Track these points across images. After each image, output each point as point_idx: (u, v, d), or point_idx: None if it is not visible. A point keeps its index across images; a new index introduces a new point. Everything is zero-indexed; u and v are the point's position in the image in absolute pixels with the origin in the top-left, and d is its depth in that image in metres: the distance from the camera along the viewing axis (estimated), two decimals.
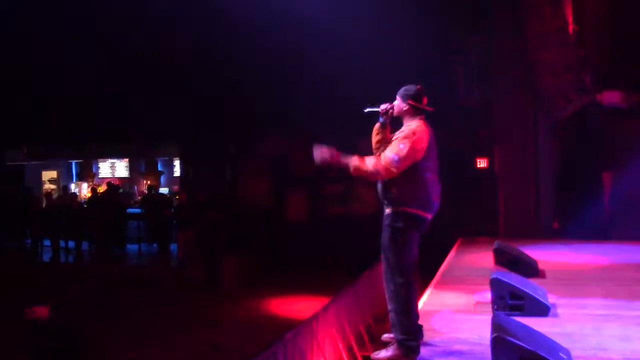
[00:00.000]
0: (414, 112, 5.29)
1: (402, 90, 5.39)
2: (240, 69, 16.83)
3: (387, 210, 5.21)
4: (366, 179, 5.19)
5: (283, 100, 16.90)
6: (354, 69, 15.06)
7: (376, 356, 5.22)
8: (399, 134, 5.18)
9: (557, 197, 14.34)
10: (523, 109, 14.08)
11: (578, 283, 8.48)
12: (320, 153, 5.15)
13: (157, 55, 17.53)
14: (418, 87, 5.37)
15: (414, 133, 5.11)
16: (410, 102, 5.29)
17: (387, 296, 5.23)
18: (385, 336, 5.49)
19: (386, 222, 5.20)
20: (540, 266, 8.97)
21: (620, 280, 8.64)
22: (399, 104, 5.36)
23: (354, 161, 5.10)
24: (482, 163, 15.91)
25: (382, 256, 5.24)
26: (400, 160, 5.01)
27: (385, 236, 5.19)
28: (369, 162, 5.10)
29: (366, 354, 7.28)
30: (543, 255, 10.18)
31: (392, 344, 5.19)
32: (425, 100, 5.33)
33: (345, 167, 5.13)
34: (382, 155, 5.11)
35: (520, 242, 10.46)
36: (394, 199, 5.13)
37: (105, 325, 10.16)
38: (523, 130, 14.11)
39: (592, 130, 14.32)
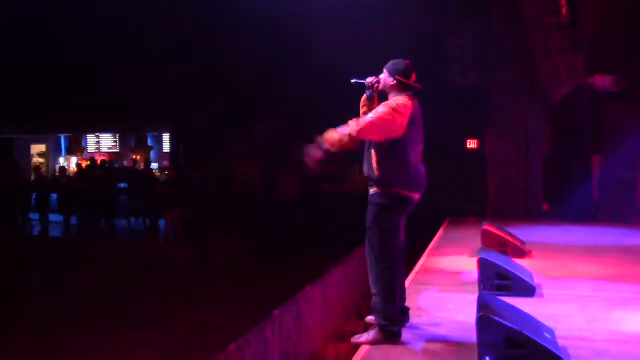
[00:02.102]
0: (401, 88, 5.11)
1: (390, 65, 5.20)
2: (234, 49, 16.76)
3: (372, 190, 5.06)
4: (344, 148, 4.85)
5: (276, 80, 16.85)
6: (346, 49, 15.01)
7: (357, 340, 5.15)
8: (384, 103, 5.02)
9: (547, 179, 14.37)
10: (516, 92, 14.07)
11: (564, 264, 8.53)
12: (311, 157, 4.91)
13: (150, 30, 17.43)
14: (407, 62, 5.18)
15: (396, 105, 4.93)
16: (398, 77, 5.10)
17: (370, 280, 5.12)
18: (369, 318, 5.43)
19: (371, 202, 5.05)
20: (528, 247, 9.02)
21: (606, 263, 8.68)
22: (385, 78, 5.18)
23: (329, 139, 4.82)
24: (472, 144, 15.94)
25: (367, 238, 5.11)
26: (373, 121, 4.83)
27: (369, 217, 5.05)
28: (341, 129, 4.83)
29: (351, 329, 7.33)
30: (531, 236, 10.23)
31: (374, 328, 5.11)
32: (413, 77, 5.15)
33: (329, 149, 4.86)
34: (360, 119, 4.94)
35: (509, 223, 10.49)
36: (380, 178, 4.98)
37: (96, 303, 10.17)
38: (515, 112, 14.12)
39: (583, 113, 14.34)
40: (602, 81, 13.98)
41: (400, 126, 4.91)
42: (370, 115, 4.93)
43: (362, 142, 5.16)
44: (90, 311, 9.69)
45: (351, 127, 4.81)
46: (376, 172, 5.01)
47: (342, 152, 4.88)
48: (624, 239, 10.77)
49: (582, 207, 13.01)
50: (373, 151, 5.04)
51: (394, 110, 4.90)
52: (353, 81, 5.33)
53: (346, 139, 4.80)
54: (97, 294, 10.72)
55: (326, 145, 4.83)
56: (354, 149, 4.96)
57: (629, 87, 13.88)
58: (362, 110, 5.37)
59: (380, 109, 4.93)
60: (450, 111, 14.86)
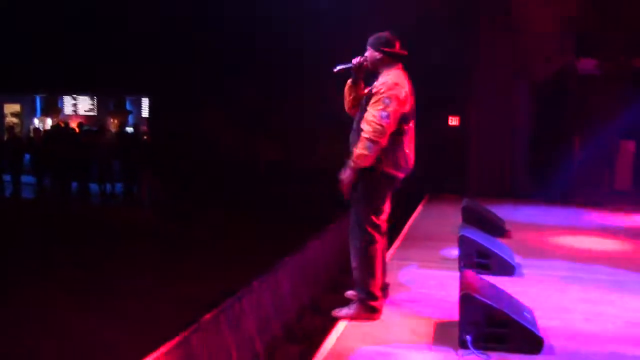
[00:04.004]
0: (389, 59, 4.99)
1: (371, 40, 5.06)
2: (216, 16, 16.57)
3: None
4: (372, 156, 4.77)
5: (259, 51, 16.71)
6: (326, 24, 14.89)
7: (337, 313, 5.10)
8: (380, 87, 4.85)
9: (528, 158, 14.41)
10: (501, 69, 14.01)
11: (543, 245, 8.58)
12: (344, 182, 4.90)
13: None
14: (387, 32, 5.06)
15: (395, 84, 4.84)
16: (383, 49, 4.98)
17: (351, 253, 5.06)
18: (349, 293, 5.37)
19: (358, 177, 4.94)
20: (507, 226, 9.04)
21: (584, 244, 8.75)
22: (371, 53, 5.03)
23: (352, 162, 4.81)
24: (453, 121, 15.90)
25: (352, 211, 5.05)
26: (390, 115, 4.74)
27: (355, 192, 4.97)
28: (360, 143, 4.76)
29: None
30: (510, 215, 10.27)
31: (354, 302, 5.08)
32: (398, 45, 5.02)
33: (355, 172, 4.84)
34: (365, 120, 4.79)
35: (488, 201, 10.50)
36: None
37: (64, 270, 10.02)
38: (499, 89, 14.08)
39: (567, 94, 14.35)
40: (585, 64, 14.01)
41: (405, 101, 4.85)
42: (382, 113, 4.73)
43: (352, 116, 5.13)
44: (57, 278, 9.51)
45: (370, 134, 4.72)
46: None
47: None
48: (601, 221, 10.85)
49: (562, 187, 13.06)
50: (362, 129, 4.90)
51: (397, 95, 4.79)
52: (337, 68, 5.11)
53: (372, 151, 4.75)
54: (66, 260, 10.53)
55: (359, 166, 4.81)
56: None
57: (612, 71, 13.93)
58: (348, 98, 5.24)
59: (387, 100, 4.75)
60: (431, 87, 14.76)
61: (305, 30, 15.70)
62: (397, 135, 4.88)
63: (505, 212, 9.99)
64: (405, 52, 5.08)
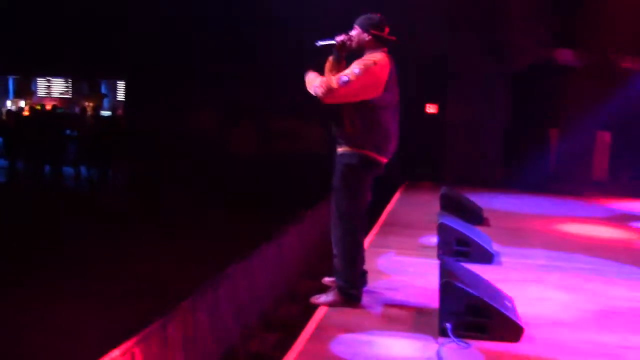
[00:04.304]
0: (376, 43, 4.87)
1: (362, 19, 4.92)
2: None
3: (341, 150, 4.87)
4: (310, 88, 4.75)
5: (236, 33, 16.54)
6: (306, 6, 14.78)
7: (315, 300, 5.03)
8: (359, 60, 4.74)
9: (505, 148, 14.43)
10: (479, 59, 13.99)
11: (521, 233, 8.59)
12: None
13: None
14: (379, 15, 4.94)
15: (374, 62, 4.71)
16: (373, 31, 4.85)
17: (332, 241, 4.98)
18: (326, 280, 5.33)
19: (339, 162, 4.87)
20: (485, 214, 9.02)
21: (560, 233, 8.78)
22: (358, 33, 4.89)
23: (309, 75, 4.77)
24: (431, 109, 15.87)
25: (332, 198, 4.95)
26: (350, 82, 4.59)
27: (336, 177, 4.88)
28: (317, 78, 4.70)
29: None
30: (488, 203, 10.24)
31: (333, 289, 5.01)
32: (387, 30, 4.90)
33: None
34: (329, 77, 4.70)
35: (466, 190, 10.48)
36: (349, 139, 4.79)
37: (36, 252, 9.86)
38: (477, 79, 14.07)
39: (545, 86, 14.37)
40: (563, 55, 14.03)
41: (379, 84, 4.71)
42: (344, 78, 4.62)
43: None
44: (29, 260, 9.36)
45: (322, 90, 4.62)
46: (348, 132, 4.80)
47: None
48: (576, 211, 10.89)
49: (538, 178, 13.09)
50: (346, 110, 4.79)
51: (372, 70, 4.67)
52: (319, 43, 4.91)
53: (312, 90, 4.68)
54: (38, 243, 10.36)
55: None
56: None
57: (589, 62, 13.97)
58: (327, 75, 4.96)
59: (356, 69, 4.64)
60: (409, 75, 14.69)
61: (287, 13, 15.57)
62: (379, 118, 4.79)
63: (482, 200, 9.97)
64: (394, 38, 4.95)
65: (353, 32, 4.93)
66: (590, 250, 7.63)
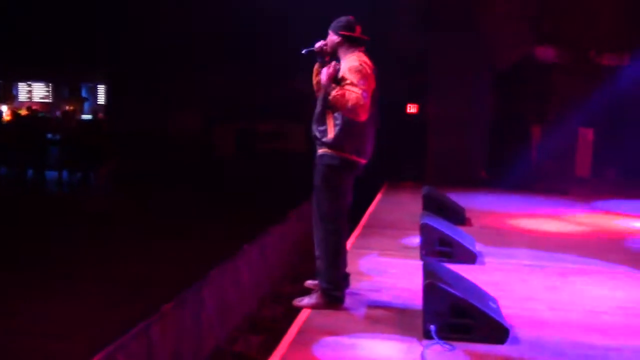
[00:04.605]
0: (350, 43, 4.96)
1: (332, 24, 5.05)
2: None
3: (321, 151, 4.91)
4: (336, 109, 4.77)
5: (218, 35, 16.52)
6: (288, 7, 14.76)
7: (298, 303, 5.01)
8: (347, 71, 4.78)
9: (487, 147, 14.42)
10: (461, 57, 13.97)
11: (504, 233, 8.57)
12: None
13: None
14: (349, 17, 5.05)
15: (362, 66, 4.79)
16: (342, 32, 4.95)
17: (315, 242, 5.00)
18: (309, 282, 5.31)
19: (319, 162, 4.91)
20: (467, 214, 9.00)
21: (544, 232, 8.76)
22: (330, 37, 5.02)
23: (337, 90, 4.71)
24: (412, 109, 15.88)
25: (314, 199, 4.98)
26: (368, 95, 4.71)
27: (317, 177, 4.92)
28: (348, 95, 4.66)
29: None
30: (470, 203, 10.21)
31: (316, 292, 4.99)
32: (358, 30, 5.00)
33: (326, 84, 4.77)
34: (347, 93, 4.66)
35: (448, 190, 10.46)
36: (331, 141, 4.82)
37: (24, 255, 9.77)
38: (459, 77, 14.03)
39: (527, 83, 14.39)
40: (545, 52, 14.05)
41: (372, 79, 4.85)
42: (359, 95, 4.65)
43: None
44: (16, 264, 9.28)
45: (358, 108, 4.65)
46: (329, 135, 4.84)
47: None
48: (560, 209, 10.87)
49: (521, 176, 13.09)
50: (329, 113, 4.86)
51: (363, 74, 4.76)
52: (304, 51, 5.11)
53: (346, 111, 4.71)
54: (24, 247, 10.27)
55: (330, 97, 4.75)
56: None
57: (571, 60, 14.00)
58: (315, 80, 5.16)
59: (361, 81, 4.71)
60: (390, 74, 14.69)
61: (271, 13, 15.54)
62: (360, 123, 4.79)
63: (465, 200, 9.95)
64: (367, 37, 5.05)
65: (328, 38, 5.07)
66: (575, 249, 7.59)
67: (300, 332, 4.54)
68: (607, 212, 10.75)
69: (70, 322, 7.00)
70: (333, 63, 4.94)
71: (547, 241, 8.09)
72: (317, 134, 4.92)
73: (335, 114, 4.81)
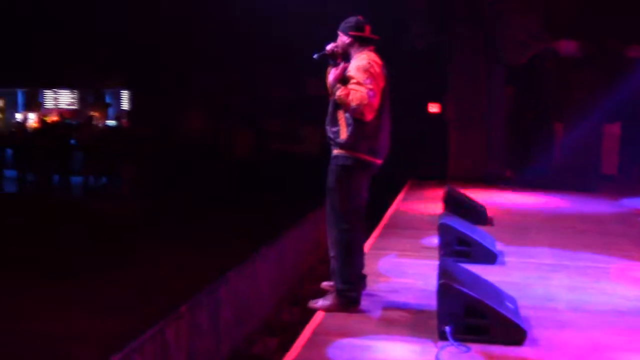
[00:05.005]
0: (360, 43, 4.95)
1: (342, 25, 5.04)
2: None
3: (335, 152, 4.89)
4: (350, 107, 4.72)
5: (222, 37, 16.59)
6: (295, 6, 14.77)
7: (314, 305, 4.96)
8: (354, 70, 4.78)
9: (508, 144, 14.27)
10: (477, 54, 13.86)
11: (526, 232, 8.42)
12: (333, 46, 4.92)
13: None
14: (358, 17, 5.04)
15: (370, 66, 4.77)
16: (351, 33, 4.94)
17: (329, 242, 4.96)
18: (325, 284, 5.25)
19: (333, 163, 4.88)
20: (489, 214, 8.88)
21: (568, 231, 8.61)
22: (340, 39, 5.00)
23: (342, 92, 4.72)
24: (434, 108, 15.78)
25: (327, 199, 4.94)
26: (375, 95, 4.71)
27: (331, 178, 4.88)
28: (353, 98, 4.66)
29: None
30: (492, 202, 10.12)
31: (332, 293, 4.93)
32: (368, 29, 4.98)
33: (334, 81, 4.79)
34: (352, 92, 4.68)
35: (470, 189, 10.35)
36: (345, 142, 4.79)
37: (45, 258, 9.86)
38: (475, 75, 13.93)
39: (546, 79, 14.21)
40: (567, 46, 13.84)
41: (380, 78, 4.81)
42: (371, 92, 4.68)
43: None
44: (38, 266, 9.38)
45: (364, 108, 4.66)
46: (342, 136, 4.81)
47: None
48: (584, 207, 10.70)
49: (544, 173, 12.91)
50: (340, 114, 4.84)
51: (370, 72, 4.74)
52: (315, 56, 5.07)
53: (351, 110, 4.71)
54: (47, 251, 10.37)
55: (336, 92, 4.77)
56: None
57: (594, 53, 13.77)
58: (328, 82, 5.06)
59: (367, 80, 4.70)
60: (411, 74, 14.63)
61: (288, 21, 15.56)
62: (373, 123, 4.79)
63: (487, 198, 9.83)
64: (377, 37, 5.03)
65: (338, 39, 5.05)
66: (599, 248, 7.44)
67: (314, 333, 4.49)
68: (634, 210, 10.55)
69: (92, 326, 7.06)
70: (342, 64, 4.92)
71: (571, 240, 7.93)
72: (331, 135, 4.91)
73: (347, 115, 4.78)
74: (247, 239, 9.64)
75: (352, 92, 4.67)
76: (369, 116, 4.70)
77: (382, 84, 4.83)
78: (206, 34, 17.28)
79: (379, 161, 4.94)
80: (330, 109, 4.95)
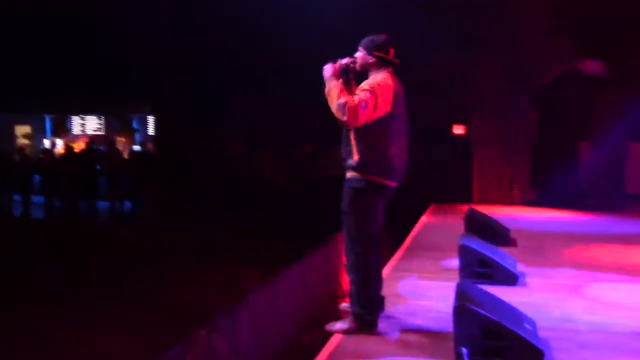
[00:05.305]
0: (380, 65, 4.88)
1: (366, 41, 4.95)
2: (215, 27, 16.63)
3: (349, 174, 4.86)
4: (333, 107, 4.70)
5: (254, 60, 16.73)
6: (321, 27, 14.87)
7: (331, 328, 4.95)
8: (363, 85, 4.76)
9: (533, 166, 14.20)
10: (501, 75, 13.86)
11: (549, 253, 8.36)
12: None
13: (132, 17, 17.34)
14: (384, 37, 4.95)
15: (378, 84, 4.71)
16: (376, 53, 4.86)
17: (346, 266, 4.95)
18: (344, 305, 5.25)
19: (346, 185, 4.85)
20: (512, 235, 8.84)
21: (591, 252, 8.52)
22: (363, 56, 4.91)
23: (334, 86, 4.69)
24: (458, 130, 15.76)
25: (343, 223, 4.91)
26: (367, 107, 4.59)
27: (345, 201, 4.85)
28: (343, 96, 4.62)
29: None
30: (516, 223, 10.04)
31: (349, 316, 4.92)
32: (392, 52, 4.91)
33: (327, 78, 4.76)
34: (341, 92, 4.64)
35: (494, 210, 10.31)
36: (356, 163, 4.77)
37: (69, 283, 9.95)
38: (500, 96, 13.93)
39: (570, 99, 14.15)
40: (592, 66, 13.78)
41: (385, 104, 4.71)
42: (362, 103, 4.60)
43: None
44: (60, 291, 9.47)
45: (348, 115, 4.58)
46: (354, 157, 4.79)
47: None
48: (609, 228, 10.59)
49: (569, 194, 12.82)
50: (352, 135, 4.81)
51: (380, 88, 4.69)
52: (326, 67, 4.92)
53: (335, 111, 4.64)
54: (74, 276, 10.48)
55: (326, 89, 4.72)
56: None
57: (618, 73, 13.70)
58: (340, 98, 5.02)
59: (367, 94, 4.64)
60: (436, 96, 14.65)
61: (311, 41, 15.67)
62: (385, 144, 4.77)
63: (510, 220, 9.77)
64: (398, 61, 4.96)
65: (358, 54, 4.96)
66: (622, 269, 7.35)
67: (331, 356, 4.48)
68: None
69: (116, 350, 7.09)
70: (347, 59, 4.90)
71: (594, 261, 7.86)
72: (344, 155, 4.89)
73: (357, 133, 4.74)
74: (273, 262, 9.67)
75: (341, 92, 4.63)
76: (351, 121, 4.61)
77: (389, 108, 4.74)
78: (235, 60, 17.42)
79: (393, 183, 4.88)
80: (344, 129, 4.90)
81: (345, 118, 4.60)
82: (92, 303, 8.92)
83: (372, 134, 4.74)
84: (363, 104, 4.59)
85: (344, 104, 4.58)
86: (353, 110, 4.57)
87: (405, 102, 4.94)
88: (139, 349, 6.81)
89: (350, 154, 4.82)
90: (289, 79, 16.24)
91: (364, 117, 4.62)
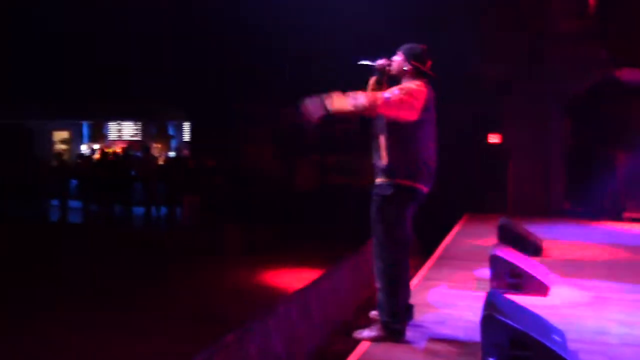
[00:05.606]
0: (415, 74, 4.87)
1: (406, 48, 4.95)
2: (247, 35, 16.76)
3: (378, 181, 4.86)
4: (350, 115, 4.72)
5: (292, 70, 16.81)
6: (356, 30, 14.89)
7: (358, 335, 4.95)
8: (399, 86, 4.78)
9: (568, 176, 14.05)
10: (536, 84, 13.76)
11: (582, 264, 8.27)
12: (310, 113, 4.64)
13: (165, 25, 17.57)
14: (423, 47, 4.95)
15: (411, 88, 4.72)
16: (414, 62, 4.87)
17: (375, 274, 4.93)
18: (373, 313, 5.23)
19: (375, 193, 4.85)
20: (545, 245, 8.76)
21: (625, 263, 8.42)
22: (400, 61, 4.93)
23: (337, 103, 4.58)
24: (494, 138, 15.65)
25: (372, 231, 4.91)
26: (391, 100, 4.60)
27: (373, 208, 4.85)
28: (350, 92, 4.60)
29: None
30: (549, 234, 9.95)
31: (377, 324, 4.91)
32: (429, 64, 4.91)
33: (332, 111, 4.63)
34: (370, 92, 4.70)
35: (528, 221, 10.22)
36: (386, 167, 4.78)
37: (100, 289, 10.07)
38: (535, 106, 13.82)
39: (606, 108, 13.98)
40: (630, 75, 13.60)
41: (415, 109, 4.69)
42: (386, 94, 4.66)
43: (369, 128, 4.99)
44: (91, 297, 9.57)
45: (367, 99, 4.60)
46: (383, 161, 4.80)
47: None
48: None
49: (606, 205, 12.65)
50: (382, 139, 4.83)
51: (410, 93, 4.69)
52: (361, 62, 5.03)
53: (358, 110, 4.61)
54: (103, 280, 10.59)
55: (331, 108, 4.59)
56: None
57: None
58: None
59: (396, 90, 4.69)
60: (472, 105, 14.57)
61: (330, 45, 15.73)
62: (414, 148, 4.77)
63: (544, 230, 9.68)
64: (434, 75, 4.95)
65: (395, 58, 4.98)
66: None
67: None
68: None
69: (143, 352, 7.15)
70: (384, 60, 4.95)
71: (626, 272, 7.74)
72: (374, 160, 4.90)
73: (387, 138, 4.77)
74: (304, 268, 9.70)
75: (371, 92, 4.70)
76: (369, 105, 4.58)
77: (417, 114, 4.71)
78: (268, 68, 17.55)
79: (422, 187, 4.84)
80: (373, 134, 4.93)
81: (368, 110, 4.61)
82: (125, 307, 9.02)
83: (401, 139, 4.75)
84: (387, 94, 4.64)
85: (357, 94, 4.60)
86: (372, 104, 4.59)
87: (435, 115, 4.93)
88: (165, 355, 6.85)
89: (379, 157, 4.84)
90: (321, 87, 16.31)
91: (384, 103, 4.61)
